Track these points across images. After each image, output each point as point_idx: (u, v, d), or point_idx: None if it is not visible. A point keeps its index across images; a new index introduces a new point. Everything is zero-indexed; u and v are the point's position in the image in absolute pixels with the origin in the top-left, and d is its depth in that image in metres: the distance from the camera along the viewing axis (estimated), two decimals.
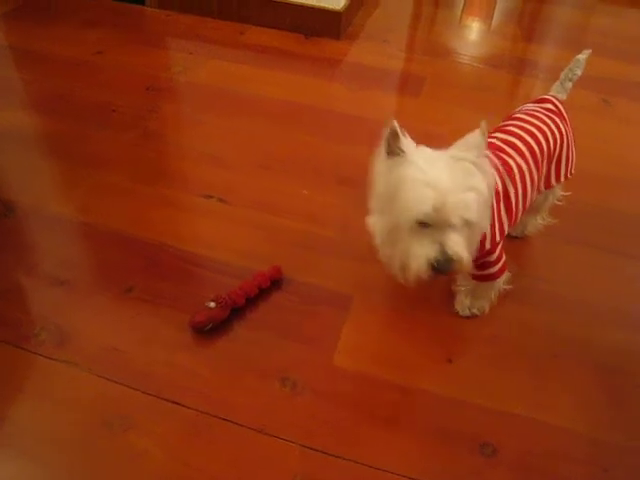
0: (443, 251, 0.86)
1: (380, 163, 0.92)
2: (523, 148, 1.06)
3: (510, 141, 1.06)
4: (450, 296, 1.19)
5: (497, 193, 0.99)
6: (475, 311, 1.16)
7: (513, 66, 2.14)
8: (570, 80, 1.21)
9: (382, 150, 0.91)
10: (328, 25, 2.05)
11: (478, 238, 0.96)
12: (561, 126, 1.13)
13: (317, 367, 1.06)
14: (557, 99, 1.18)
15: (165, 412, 0.97)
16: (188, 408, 0.98)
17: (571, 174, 1.19)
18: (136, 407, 0.98)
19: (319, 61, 1.98)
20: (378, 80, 1.92)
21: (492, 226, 1.01)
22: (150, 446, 0.93)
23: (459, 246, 0.87)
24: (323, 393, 1.02)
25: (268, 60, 1.96)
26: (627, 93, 1.98)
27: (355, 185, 1.46)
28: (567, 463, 0.96)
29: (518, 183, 1.04)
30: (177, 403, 0.98)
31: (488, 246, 1.02)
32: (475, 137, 0.89)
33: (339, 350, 1.09)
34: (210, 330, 1.08)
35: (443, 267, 0.87)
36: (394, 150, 0.89)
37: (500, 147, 1.05)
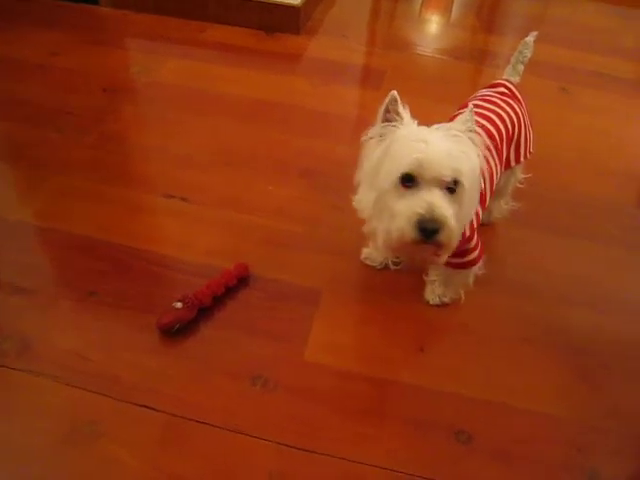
0: (429, 209, 0.82)
1: (373, 135, 0.92)
2: (483, 135, 1.06)
3: None
4: (418, 286, 1.19)
5: None
6: (446, 300, 1.16)
7: (474, 57, 2.16)
8: (521, 62, 1.22)
9: (378, 120, 0.92)
10: (287, 20, 2.04)
11: (467, 218, 0.93)
12: (517, 108, 1.15)
13: (288, 364, 1.05)
14: (510, 82, 1.20)
15: (135, 417, 0.95)
16: (158, 411, 0.96)
17: (530, 153, 1.21)
18: (106, 413, 0.95)
19: (280, 57, 1.97)
20: (339, 74, 1.91)
21: None
22: (122, 453, 0.90)
23: (447, 210, 0.83)
24: (295, 389, 1.01)
25: (229, 57, 1.93)
26: (584, 81, 2.02)
27: (320, 179, 1.46)
28: (541, 445, 0.97)
29: (485, 169, 1.04)
30: (147, 407, 0.96)
31: (468, 232, 1.02)
32: (465, 115, 0.91)
33: (310, 345, 1.08)
34: (177, 331, 1.06)
35: (428, 226, 0.82)
36: (391, 116, 0.89)
37: None
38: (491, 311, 1.18)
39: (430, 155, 0.83)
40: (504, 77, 1.21)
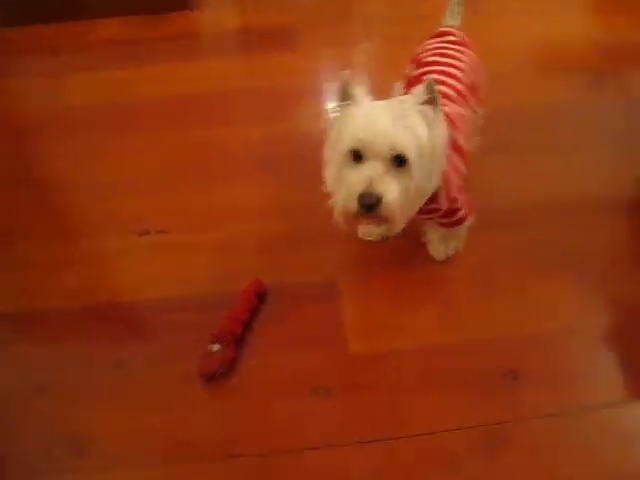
0: (368, 183, 0.87)
1: (332, 114, 0.95)
2: (450, 92, 1.07)
3: None
4: (423, 247, 1.22)
5: None
6: (450, 252, 1.21)
7: None
8: (459, 4, 1.22)
9: (337, 100, 0.94)
10: None
11: (424, 189, 0.95)
12: (469, 54, 1.16)
13: (338, 364, 1.07)
14: (454, 28, 1.19)
15: (224, 471, 0.94)
16: (244, 456, 0.96)
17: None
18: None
19: (180, 40, 1.83)
20: (249, 43, 1.82)
21: (451, 173, 1.03)
22: None
23: (389, 186, 0.87)
24: (355, 386, 1.04)
25: (129, 55, 1.77)
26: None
27: (282, 165, 1.42)
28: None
29: (459, 126, 1.06)
30: (232, 455, 0.96)
31: (453, 193, 1.04)
32: (419, 88, 0.91)
33: (349, 339, 1.10)
34: (221, 373, 1.04)
35: (367, 202, 0.87)
36: (346, 96, 0.92)
37: None
38: (491, 248, 1.23)
39: (371, 132, 0.87)
40: (448, 24, 1.20)
